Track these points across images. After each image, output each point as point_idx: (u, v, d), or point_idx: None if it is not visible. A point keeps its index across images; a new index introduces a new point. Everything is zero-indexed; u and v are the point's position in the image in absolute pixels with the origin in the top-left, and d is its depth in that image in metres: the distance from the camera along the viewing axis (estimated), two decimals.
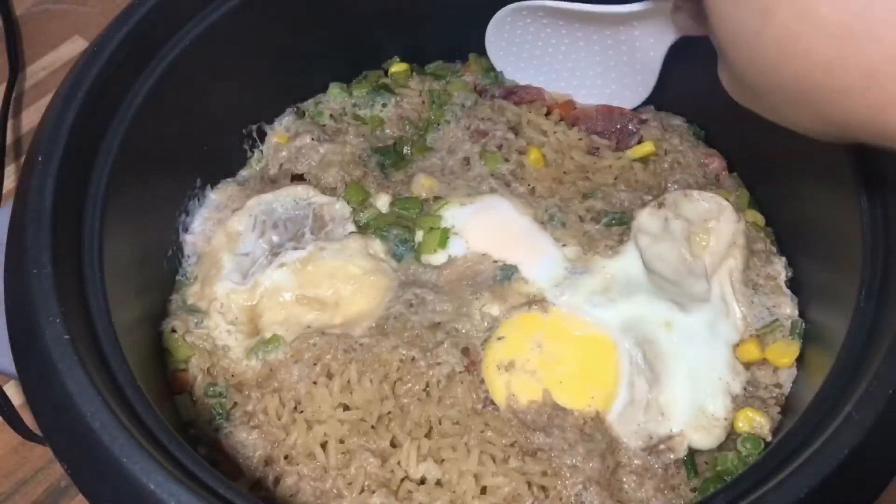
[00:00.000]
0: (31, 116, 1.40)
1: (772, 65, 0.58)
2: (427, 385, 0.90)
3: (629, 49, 1.05)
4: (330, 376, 0.91)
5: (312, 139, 1.10)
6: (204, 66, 0.97)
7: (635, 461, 0.88)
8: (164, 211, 1.01)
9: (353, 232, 1.03)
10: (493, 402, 0.90)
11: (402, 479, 0.86)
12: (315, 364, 0.92)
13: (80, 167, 0.82)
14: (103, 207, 0.82)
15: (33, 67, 1.48)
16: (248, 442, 0.89)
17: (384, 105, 1.16)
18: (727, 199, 1.03)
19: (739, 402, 0.91)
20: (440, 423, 0.88)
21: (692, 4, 0.82)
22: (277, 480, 0.87)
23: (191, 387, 0.93)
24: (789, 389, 0.93)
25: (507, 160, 1.08)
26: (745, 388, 0.92)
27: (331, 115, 1.17)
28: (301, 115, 1.16)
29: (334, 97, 1.18)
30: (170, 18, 0.93)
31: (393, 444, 0.88)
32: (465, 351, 0.93)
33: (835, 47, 0.53)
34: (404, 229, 1.03)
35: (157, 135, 0.92)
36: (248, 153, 1.13)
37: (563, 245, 1.00)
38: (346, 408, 0.89)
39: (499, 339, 0.93)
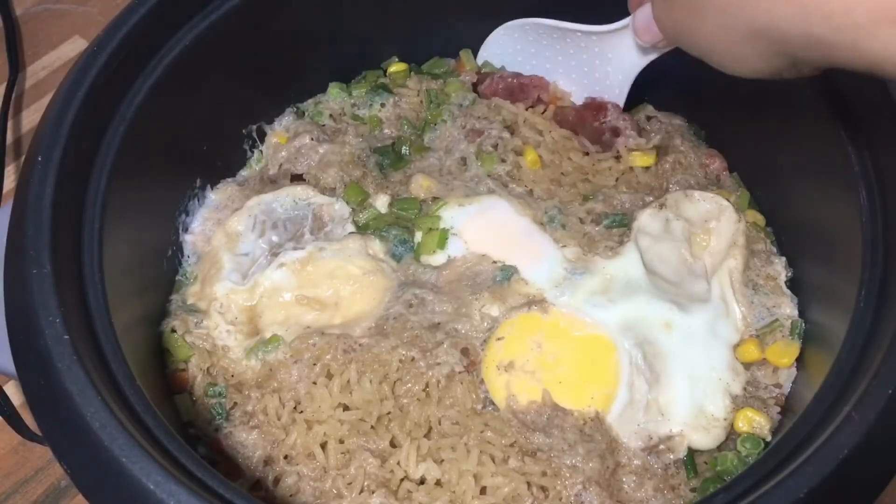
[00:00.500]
0: (31, 116, 1.40)
1: None
2: (427, 385, 0.90)
3: (605, 64, 1.07)
4: (329, 376, 0.91)
5: (312, 139, 1.10)
6: (203, 67, 0.97)
7: (635, 461, 0.88)
8: (164, 211, 1.01)
9: (352, 232, 1.03)
10: (492, 403, 0.91)
11: (402, 479, 0.86)
12: (315, 364, 0.92)
13: (79, 167, 0.82)
14: (103, 207, 0.82)
15: (33, 67, 1.47)
16: (248, 442, 0.89)
17: (382, 105, 1.16)
18: (727, 200, 1.03)
19: (739, 403, 0.91)
20: (440, 424, 0.88)
21: None
22: (277, 480, 0.87)
23: (190, 387, 0.93)
24: (789, 389, 0.93)
25: (503, 160, 1.08)
26: (744, 389, 0.92)
27: (330, 115, 1.17)
28: (301, 115, 1.16)
29: (334, 97, 1.18)
30: (169, 18, 0.92)
31: (392, 445, 0.88)
32: (465, 351, 0.93)
33: None
34: (403, 230, 1.03)
35: (157, 135, 0.92)
36: (247, 153, 1.13)
37: (563, 246, 1.00)
38: (346, 408, 0.89)
39: (498, 339, 0.93)
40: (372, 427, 0.88)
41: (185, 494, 0.62)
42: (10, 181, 1.29)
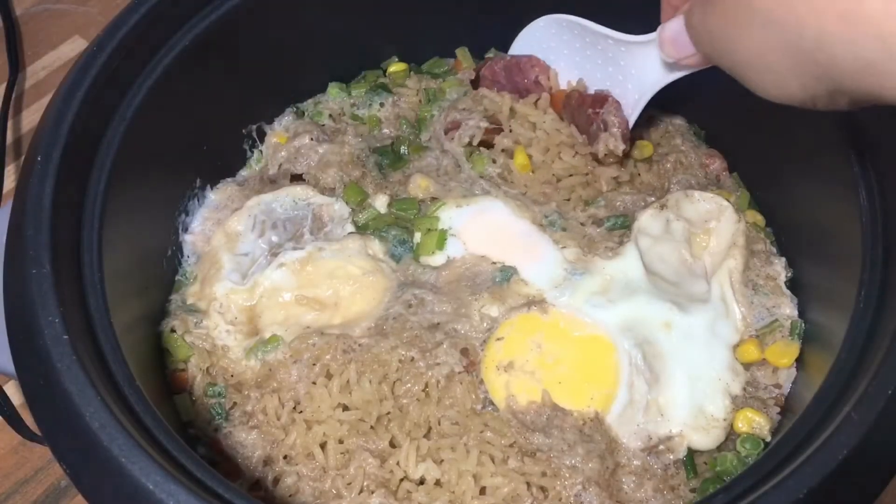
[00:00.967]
0: (31, 116, 1.40)
1: None
2: (426, 385, 0.90)
3: (626, 79, 1.03)
4: (329, 376, 0.91)
5: (311, 139, 1.10)
6: (203, 67, 0.97)
7: (635, 462, 0.88)
8: (164, 211, 1.01)
9: (351, 232, 1.03)
10: (492, 403, 0.91)
11: (402, 480, 0.86)
12: (314, 364, 0.92)
13: (79, 167, 0.82)
14: (103, 207, 0.82)
15: (33, 67, 1.48)
16: (248, 442, 0.89)
17: (382, 105, 1.17)
18: (728, 200, 1.03)
19: (739, 403, 0.91)
20: (439, 424, 0.88)
21: None
22: (276, 480, 0.87)
23: (190, 387, 0.93)
24: (789, 390, 0.93)
25: (494, 161, 1.08)
26: (744, 389, 0.92)
27: (330, 115, 1.17)
28: (300, 115, 1.16)
29: (333, 97, 1.18)
30: (169, 19, 0.92)
31: (392, 445, 0.88)
32: (465, 351, 0.92)
33: None
34: (403, 230, 1.03)
35: (157, 135, 0.92)
36: (247, 153, 1.13)
37: (563, 247, 1.00)
38: (346, 408, 0.89)
39: (498, 339, 0.93)
40: (371, 427, 0.88)
41: (185, 494, 0.62)
42: (10, 181, 1.29)
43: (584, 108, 1.06)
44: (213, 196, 1.08)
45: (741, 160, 1.10)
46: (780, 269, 1.01)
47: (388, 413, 0.89)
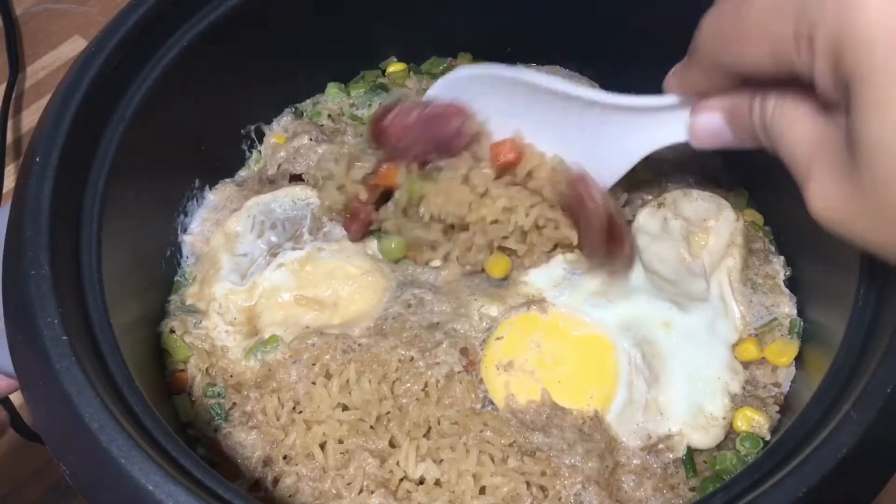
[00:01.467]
0: (31, 116, 1.41)
1: None
2: (426, 385, 0.90)
3: (601, 141, 0.89)
4: (329, 376, 0.91)
5: (310, 139, 1.10)
6: (202, 67, 0.97)
7: (634, 461, 0.88)
8: (163, 212, 1.01)
9: None
10: (491, 402, 0.91)
11: (401, 480, 0.85)
12: (314, 364, 0.92)
13: (78, 168, 0.82)
14: (101, 208, 0.82)
15: (33, 67, 1.48)
16: (247, 442, 0.89)
17: (381, 105, 1.16)
18: (726, 199, 1.03)
19: (738, 402, 0.91)
20: (439, 423, 0.88)
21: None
22: (276, 481, 0.87)
23: (189, 387, 0.93)
24: (788, 389, 0.93)
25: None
26: (743, 388, 0.92)
27: (329, 116, 1.17)
28: (299, 115, 1.16)
29: (332, 97, 1.18)
30: (167, 19, 0.92)
31: (392, 445, 0.88)
32: (464, 351, 0.93)
33: None
34: None
35: (155, 135, 0.92)
36: (246, 154, 1.13)
37: None
38: (345, 408, 0.89)
39: (497, 339, 0.93)
40: (371, 427, 0.88)
41: (184, 495, 0.62)
42: (10, 181, 1.29)
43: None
44: (212, 196, 1.08)
45: (739, 159, 1.09)
46: (778, 268, 1.01)
47: (388, 413, 0.89)
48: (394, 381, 0.90)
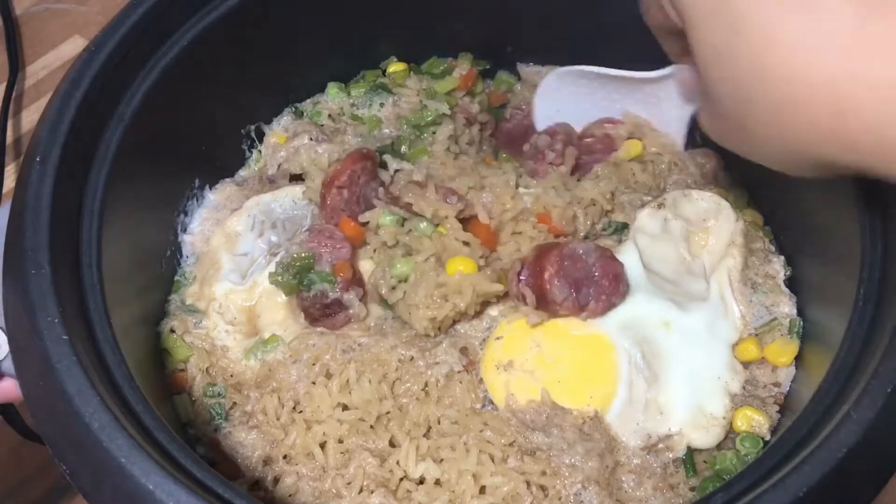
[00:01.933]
0: (31, 116, 1.41)
1: (744, 80, 0.61)
2: (426, 385, 0.90)
3: (657, 105, 1.06)
4: (329, 376, 0.91)
5: (311, 139, 1.10)
6: (202, 67, 0.97)
7: (634, 460, 0.88)
8: (163, 211, 1.01)
9: None
10: (491, 402, 0.91)
11: (401, 479, 0.86)
12: (314, 364, 0.92)
13: (78, 168, 0.82)
14: (101, 208, 0.82)
15: (33, 67, 1.48)
16: (247, 442, 0.89)
17: (382, 105, 1.16)
18: (725, 199, 1.03)
19: (738, 401, 0.91)
20: (439, 423, 0.88)
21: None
22: (276, 480, 0.87)
23: (189, 387, 0.94)
24: (788, 388, 0.93)
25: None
26: (743, 387, 0.92)
27: (329, 115, 1.16)
28: (299, 115, 1.16)
29: (332, 97, 1.18)
30: (167, 19, 0.92)
31: (392, 444, 0.88)
32: (464, 350, 0.93)
33: (793, 63, 0.58)
34: None
35: (155, 135, 0.92)
36: (246, 153, 1.13)
37: None
38: (345, 407, 0.89)
39: (497, 338, 0.93)
40: (371, 427, 0.88)
41: (185, 495, 0.62)
42: (10, 181, 1.29)
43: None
44: (212, 196, 1.08)
45: (737, 159, 1.08)
46: (778, 268, 1.01)
47: (388, 412, 0.89)
48: (394, 381, 0.90)
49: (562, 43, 1.13)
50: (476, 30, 1.17)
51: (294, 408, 0.90)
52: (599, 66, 1.04)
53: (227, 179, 1.11)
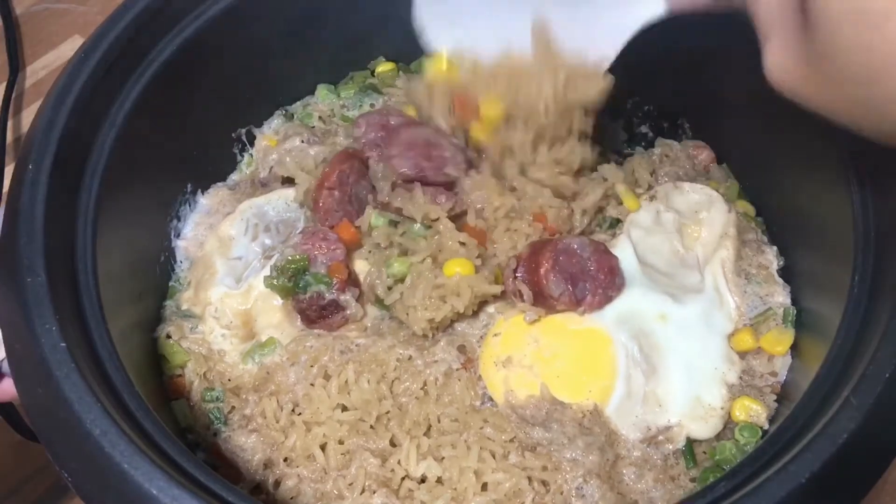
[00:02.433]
0: (31, 116, 1.39)
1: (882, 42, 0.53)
2: (425, 383, 0.90)
3: (598, 15, 0.90)
4: (327, 377, 0.91)
5: (302, 141, 1.10)
6: (192, 71, 0.97)
7: (634, 453, 0.88)
8: (156, 217, 1.01)
9: None
10: (491, 399, 0.91)
11: (403, 479, 0.86)
12: (312, 366, 0.92)
13: (70, 175, 0.82)
14: (95, 214, 0.82)
15: (33, 66, 1.49)
16: (247, 445, 0.89)
17: (372, 105, 1.15)
18: (717, 190, 1.03)
19: (735, 392, 0.91)
20: (439, 421, 0.88)
21: None
22: (278, 483, 0.87)
23: (187, 392, 0.93)
24: (784, 377, 0.93)
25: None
26: (740, 378, 0.92)
27: (319, 117, 1.16)
28: (290, 117, 1.16)
29: (322, 99, 1.17)
30: (155, 25, 0.92)
31: (392, 444, 0.88)
32: (462, 348, 0.93)
33: None
34: None
35: (147, 140, 0.92)
36: (237, 157, 1.13)
37: None
38: (345, 408, 0.89)
39: (495, 335, 0.93)
40: (371, 427, 0.88)
41: (189, 499, 0.62)
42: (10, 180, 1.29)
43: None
44: (205, 201, 1.08)
45: (729, 151, 1.10)
46: (771, 258, 1.01)
47: (388, 412, 0.89)
48: (393, 381, 0.90)
49: None
50: None
51: (293, 410, 0.90)
52: None
53: (220, 184, 1.10)
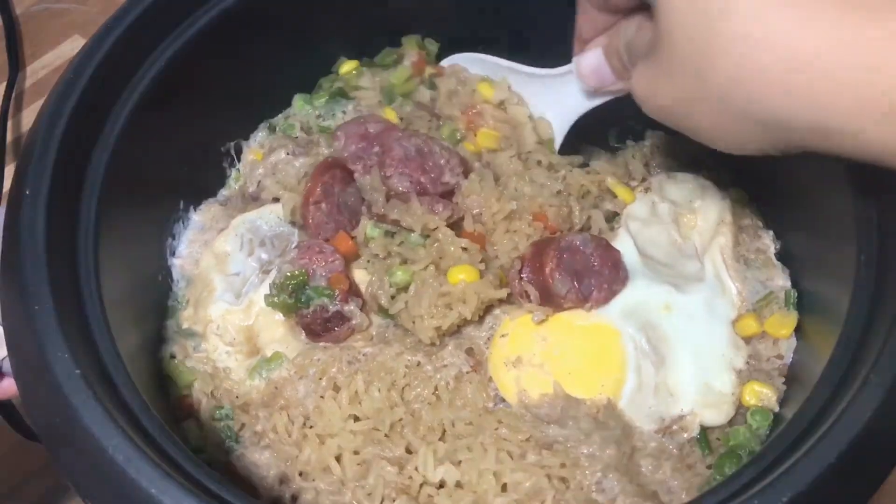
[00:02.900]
0: (32, 115, 1.40)
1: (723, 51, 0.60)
2: (436, 388, 0.90)
3: (545, 109, 1.07)
4: (337, 389, 0.90)
5: (287, 153, 1.08)
6: (178, 89, 0.95)
7: (650, 444, 0.88)
8: (152, 236, 1.00)
9: None
10: (503, 400, 0.91)
11: (422, 485, 0.85)
12: (320, 378, 0.91)
13: (68, 199, 0.80)
14: (95, 237, 0.80)
15: (33, 66, 1.48)
16: (261, 462, 0.88)
17: (344, 112, 1.12)
18: (711, 179, 1.04)
19: (744, 377, 0.91)
20: (453, 425, 0.88)
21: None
22: (295, 498, 0.86)
23: (196, 411, 0.92)
24: (791, 359, 0.94)
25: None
26: (747, 362, 0.93)
27: (301, 128, 1.14)
28: (273, 130, 1.14)
29: (299, 109, 1.14)
30: (139, 44, 0.91)
31: (408, 451, 0.87)
32: (470, 351, 0.92)
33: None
34: None
35: (140, 160, 0.90)
36: (227, 172, 1.11)
37: None
38: (357, 419, 0.88)
39: (502, 336, 0.93)
40: (385, 435, 0.87)
41: None
42: (10, 180, 1.27)
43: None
44: (197, 217, 1.06)
45: None
46: (768, 242, 1.02)
47: (401, 419, 0.88)
48: (403, 388, 0.90)
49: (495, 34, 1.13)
50: (423, 13, 1.14)
51: (304, 423, 0.89)
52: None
53: (211, 199, 1.09)
